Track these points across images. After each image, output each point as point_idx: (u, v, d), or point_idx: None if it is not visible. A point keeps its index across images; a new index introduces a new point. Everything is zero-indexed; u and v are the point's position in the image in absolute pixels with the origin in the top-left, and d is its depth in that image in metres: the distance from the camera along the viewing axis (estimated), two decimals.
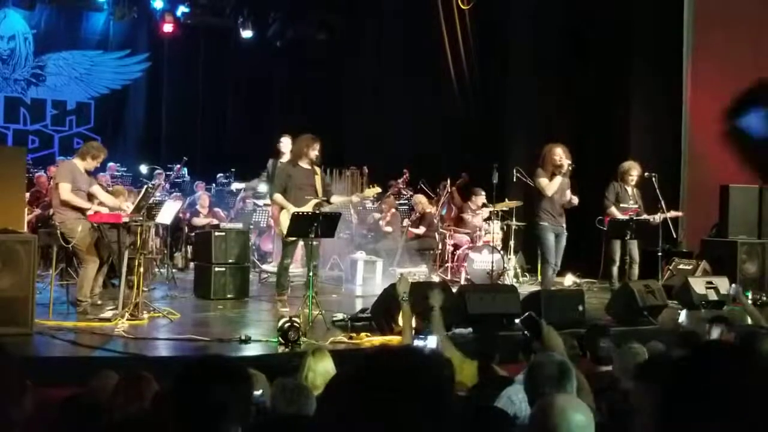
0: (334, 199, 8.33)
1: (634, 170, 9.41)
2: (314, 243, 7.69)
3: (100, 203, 7.73)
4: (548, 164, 8.77)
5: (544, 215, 8.78)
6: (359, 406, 1.41)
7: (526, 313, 4.66)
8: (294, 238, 7.83)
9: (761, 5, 10.69)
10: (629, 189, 9.42)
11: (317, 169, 8.18)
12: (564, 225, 8.90)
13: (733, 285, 7.57)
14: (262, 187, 11.30)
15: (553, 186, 8.71)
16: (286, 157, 9.59)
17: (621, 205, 9.30)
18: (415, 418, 1.40)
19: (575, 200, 8.95)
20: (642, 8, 11.44)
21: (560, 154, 8.74)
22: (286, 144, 9.68)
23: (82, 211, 7.36)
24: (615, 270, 9.28)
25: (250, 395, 2.33)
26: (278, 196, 8.01)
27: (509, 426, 3.08)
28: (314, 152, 8.07)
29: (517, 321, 6.18)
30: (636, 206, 9.31)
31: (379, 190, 8.52)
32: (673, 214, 9.42)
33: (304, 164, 8.09)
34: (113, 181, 13.35)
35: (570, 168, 8.73)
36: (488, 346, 4.98)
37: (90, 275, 7.34)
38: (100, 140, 10.69)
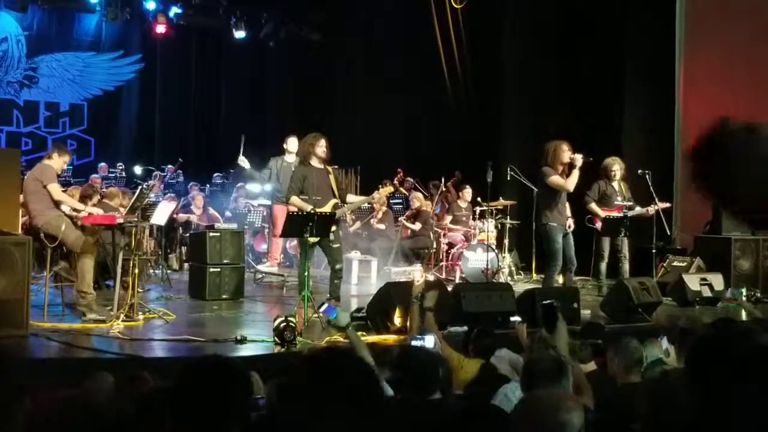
0: (350, 198, 8.20)
1: (615, 165, 9.36)
2: (334, 246, 7.66)
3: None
4: (556, 162, 8.46)
5: (553, 215, 8.47)
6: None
7: (549, 301, 4.64)
8: (316, 241, 7.54)
9: (754, 5, 10.72)
10: (615, 185, 9.37)
11: (330, 169, 7.99)
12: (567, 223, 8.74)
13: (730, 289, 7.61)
14: (256, 187, 11.26)
15: (572, 180, 8.36)
16: (291, 157, 9.55)
17: (614, 202, 9.30)
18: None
19: (572, 225, 8.82)
20: (634, 8, 11.47)
21: (567, 150, 8.48)
22: (292, 144, 9.66)
23: (57, 207, 7.25)
24: (604, 266, 9.30)
25: (249, 396, 2.33)
26: (295, 199, 7.71)
27: (505, 423, 3.08)
28: (321, 149, 7.86)
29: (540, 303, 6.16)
30: (625, 202, 9.27)
31: (392, 189, 8.44)
32: (662, 205, 9.37)
33: (316, 164, 7.87)
34: (107, 183, 13.32)
35: (587, 162, 8.45)
36: (486, 343, 5.02)
37: (89, 265, 7.16)
38: (93, 142, 10.73)
